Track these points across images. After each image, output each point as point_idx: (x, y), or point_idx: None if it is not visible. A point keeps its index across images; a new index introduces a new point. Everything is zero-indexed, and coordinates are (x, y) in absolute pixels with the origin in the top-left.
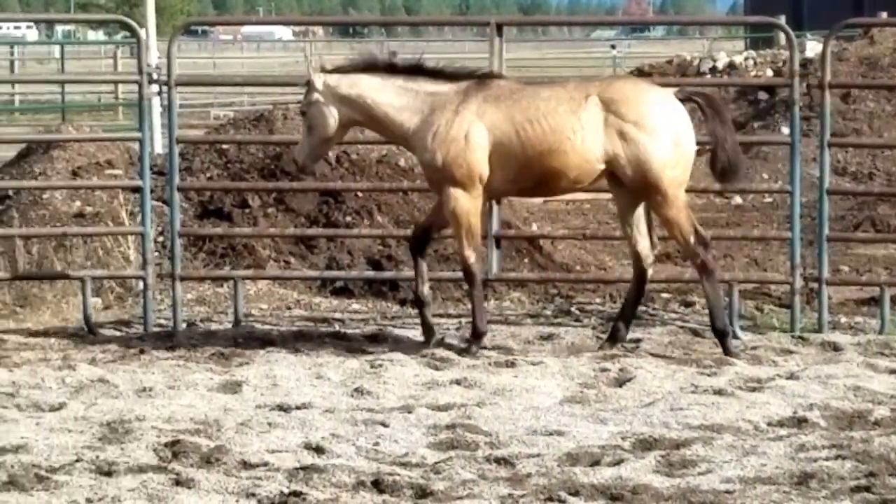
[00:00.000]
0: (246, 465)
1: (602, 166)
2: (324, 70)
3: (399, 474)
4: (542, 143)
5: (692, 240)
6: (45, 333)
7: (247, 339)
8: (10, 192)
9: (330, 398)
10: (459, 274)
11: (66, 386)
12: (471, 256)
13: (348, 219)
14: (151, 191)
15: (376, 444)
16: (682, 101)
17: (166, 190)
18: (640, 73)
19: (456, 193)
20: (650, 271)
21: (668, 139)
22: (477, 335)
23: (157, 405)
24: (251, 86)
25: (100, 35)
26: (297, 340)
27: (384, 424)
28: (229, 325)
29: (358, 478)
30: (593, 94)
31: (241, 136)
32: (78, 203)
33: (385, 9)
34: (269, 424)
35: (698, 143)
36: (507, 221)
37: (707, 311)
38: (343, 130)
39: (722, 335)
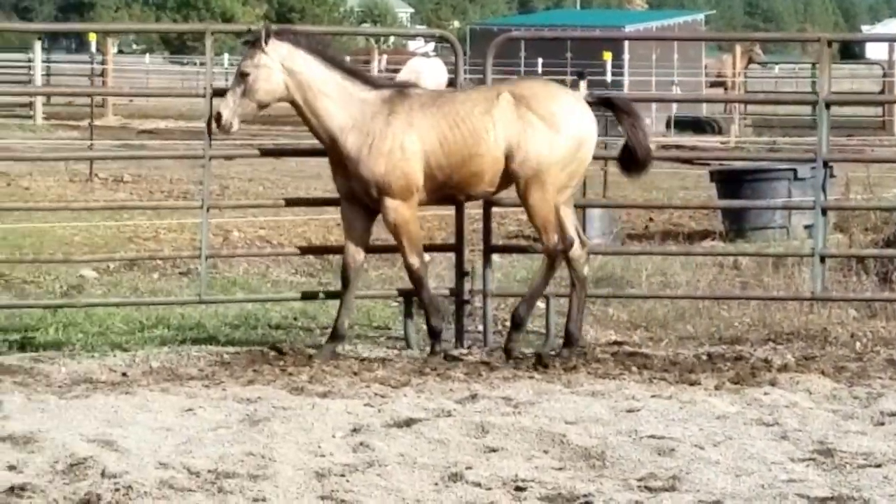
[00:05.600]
0: None
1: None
2: (275, 35)
3: None
4: (463, 147)
5: (556, 238)
6: None
7: None
8: None
9: None
10: None
11: None
12: (416, 263)
13: None
14: None
15: None
16: (592, 104)
17: None
18: None
19: (394, 204)
20: (587, 269)
21: (570, 139)
22: (434, 334)
23: None
24: None
25: None
26: None
27: None
28: None
29: None
30: (504, 91)
31: None
32: None
33: None
34: None
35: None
36: None
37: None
38: (272, 103)
39: (519, 323)
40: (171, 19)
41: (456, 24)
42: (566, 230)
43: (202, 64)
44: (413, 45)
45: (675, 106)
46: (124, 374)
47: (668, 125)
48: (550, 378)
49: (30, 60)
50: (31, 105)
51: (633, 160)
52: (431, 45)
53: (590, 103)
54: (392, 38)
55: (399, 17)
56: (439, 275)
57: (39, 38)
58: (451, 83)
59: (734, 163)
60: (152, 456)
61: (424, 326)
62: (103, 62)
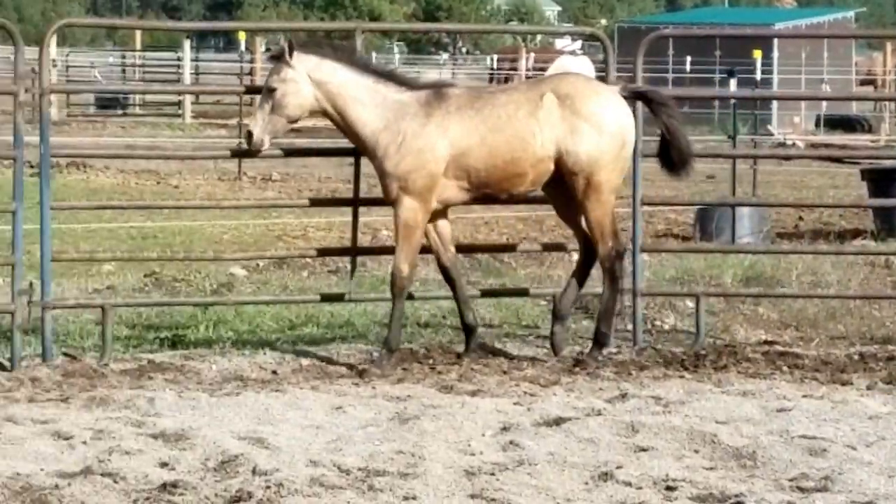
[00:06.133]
0: None
1: (552, 166)
2: (299, 48)
3: None
4: (507, 150)
5: (611, 245)
6: None
7: None
8: None
9: None
10: None
11: None
12: (406, 270)
13: None
14: None
15: None
16: (627, 98)
17: None
18: None
19: (412, 204)
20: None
21: (617, 138)
22: (389, 349)
23: None
24: None
25: None
26: None
27: None
28: None
29: None
30: (547, 91)
31: None
32: None
33: None
34: None
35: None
36: None
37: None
38: (303, 116)
39: (602, 343)
40: (319, 18)
41: (603, 21)
42: (619, 235)
43: None
44: (560, 43)
45: (824, 104)
46: (274, 372)
47: (817, 124)
48: (701, 377)
49: (179, 59)
50: (179, 104)
51: (672, 155)
52: (578, 43)
53: (624, 97)
54: (539, 37)
55: (546, 15)
56: (589, 274)
57: (188, 37)
58: (601, 81)
59: (885, 161)
60: (303, 453)
61: (574, 325)
62: (252, 61)
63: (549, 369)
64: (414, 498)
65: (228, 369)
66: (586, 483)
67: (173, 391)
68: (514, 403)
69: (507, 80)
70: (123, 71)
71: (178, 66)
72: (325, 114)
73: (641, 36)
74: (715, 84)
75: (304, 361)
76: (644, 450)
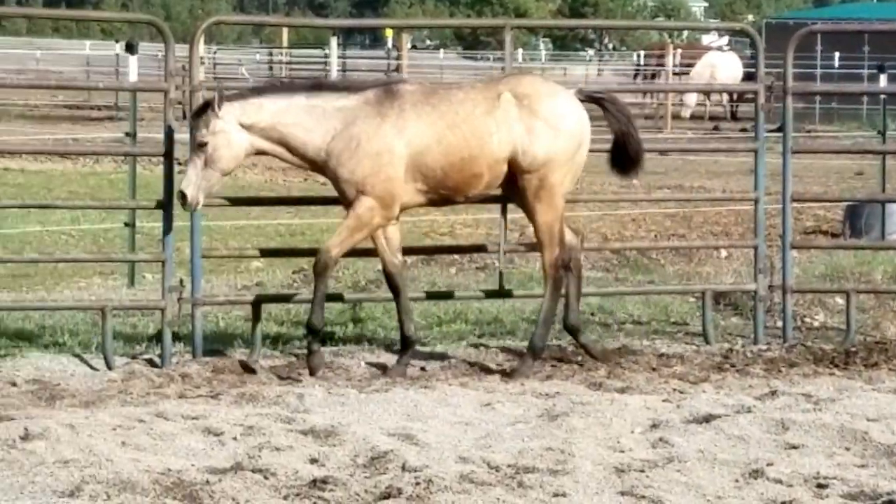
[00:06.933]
0: None
1: (506, 167)
2: (223, 97)
3: None
4: (464, 148)
5: (557, 252)
6: None
7: None
8: None
9: None
10: None
11: None
12: (334, 255)
13: None
14: None
15: None
16: (583, 101)
17: None
18: None
19: (370, 203)
20: (582, 257)
21: (574, 140)
22: (312, 330)
23: None
24: None
25: None
26: None
27: None
28: None
29: None
30: (505, 91)
31: None
32: None
33: None
34: None
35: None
36: None
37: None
38: (237, 167)
39: (534, 350)
40: (465, 15)
41: (750, 17)
42: (566, 241)
43: (496, 59)
44: (706, 39)
45: None
46: (423, 369)
47: None
48: (851, 374)
49: (326, 56)
50: None
51: (624, 158)
52: (725, 39)
53: (581, 100)
54: (686, 33)
55: (692, 11)
56: (736, 270)
57: (335, 34)
58: (748, 77)
59: None
60: (452, 450)
61: (723, 322)
62: (398, 57)
63: (699, 366)
64: (564, 495)
65: (377, 366)
66: (736, 480)
67: (322, 387)
68: (664, 400)
69: (653, 76)
70: (270, 68)
71: (325, 63)
72: (268, 153)
73: (789, 32)
74: (864, 80)
75: (453, 358)
76: (794, 447)
